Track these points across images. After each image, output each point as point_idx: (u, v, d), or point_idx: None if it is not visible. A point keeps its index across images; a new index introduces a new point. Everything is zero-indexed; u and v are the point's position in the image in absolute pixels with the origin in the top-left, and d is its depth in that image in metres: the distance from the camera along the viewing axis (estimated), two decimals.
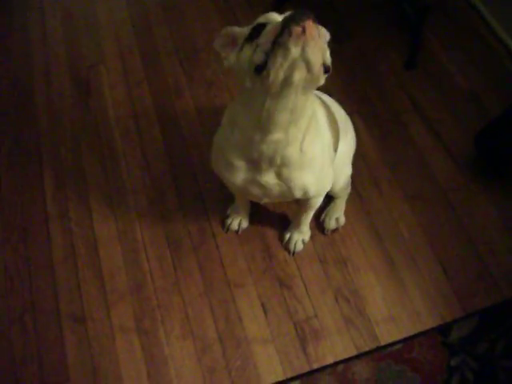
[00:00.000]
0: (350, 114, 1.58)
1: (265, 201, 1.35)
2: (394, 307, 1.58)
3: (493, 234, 1.70)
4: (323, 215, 1.72)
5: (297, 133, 1.06)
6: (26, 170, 1.87)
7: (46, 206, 1.78)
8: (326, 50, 0.89)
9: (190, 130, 1.95)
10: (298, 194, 1.25)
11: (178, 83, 2.09)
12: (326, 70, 0.91)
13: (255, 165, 1.16)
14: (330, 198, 1.68)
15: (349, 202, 1.73)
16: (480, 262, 1.65)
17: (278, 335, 1.54)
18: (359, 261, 1.66)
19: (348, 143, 1.52)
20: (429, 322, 1.56)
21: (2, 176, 1.86)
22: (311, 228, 1.69)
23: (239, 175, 1.21)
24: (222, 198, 1.75)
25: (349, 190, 1.69)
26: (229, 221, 1.71)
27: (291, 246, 1.66)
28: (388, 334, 1.54)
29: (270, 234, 1.72)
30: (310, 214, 1.55)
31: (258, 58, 0.90)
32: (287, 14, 0.88)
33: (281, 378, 1.48)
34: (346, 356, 1.51)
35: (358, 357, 1.51)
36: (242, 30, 1.01)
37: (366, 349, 1.52)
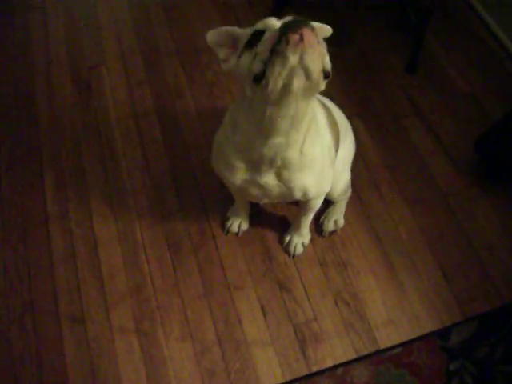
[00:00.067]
0: (350, 116, 1.58)
1: (264, 201, 1.35)
2: (393, 311, 1.58)
3: (493, 239, 1.70)
4: (322, 217, 1.72)
5: (297, 136, 1.07)
6: (26, 170, 1.87)
7: (46, 206, 1.78)
8: (325, 55, 0.88)
9: (191, 131, 1.95)
10: (298, 195, 1.25)
11: (179, 84, 2.09)
12: (326, 75, 0.91)
13: (255, 166, 1.16)
14: (329, 201, 1.68)
15: (349, 205, 1.73)
16: (480, 266, 1.65)
17: (278, 338, 1.54)
18: (359, 264, 1.66)
19: (347, 148, 1.52)
20: (428, 326, 1.56)
21: (2, 176, 1.85)
22: (311, 231, 1.69)
23: (239, 175, 1.21)
24: (222, 199, 1.75)
25: (349, 193, 1.69)
26: (229, 223, 1.71)
27: (291, 249, 1.66)
28: (387, 338, 1.54)
29: (270, 236, 1.72)
30: (310, 216, 1.55)
31: (257, 67, 0.89)
32: (285, 19, 0.88)
33: (280, 381, 1.48)
34: (345, 359, 1.51)
35: (357, 360, 1.50)
36: (244, 32, 1.00)
37: (366, 352, 1.52)
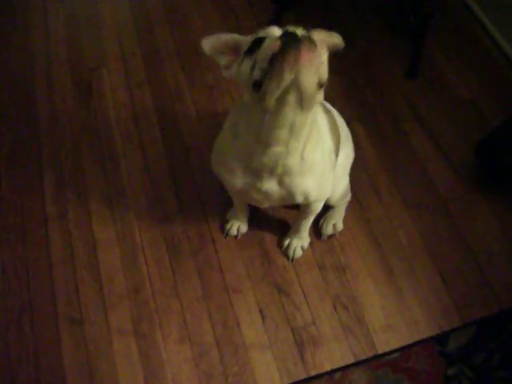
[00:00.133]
0: (350, 121, 1.58)
1: (265, 205, 1.35)
2: (391, 315, 1.58)
3: (492, 244, 1.71)
4: (321, 220, 1.72)
5: (297, 144, 1.07)
6: (25, 170, 1.86)
7: (46, 207, 1.78)
8: (322, 64, 0.89)
9: (191, 133, 1.95)
10: (300, 199, 1.25)
11: (179, 86, 2.09)
12: (321, 85, 0.91)
13: (256, 173, 1.17)
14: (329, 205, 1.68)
15: (348, 209, 1.73)
16: (479, 271, 1.66)
17: (276, 341, 1.54)
18: (358, 268, 1.66)
19: (346, 154, 1.52)
20: (426, 331, 1.56)
21: (1, 176, 1.85)
22: (310, 234, 1.69)
23: (240, 180, 1.22)
24: (222, 202, 1.75)
25: (349, 197, 1.68)
26: (228, 226, 1.70)
27: (290, 252, 1.66)
28: (386, 343, 1.54)
29: (269, 239, 1.72)
30: (310, 220, 1.55)
31: (256, 74, 0.90)
32: (287, 28, 0.89)
33: None
34: (343, 364, 1.51)
35: (355, 365, 1.50)
36: (245, 39, 1.00)
37: (364, 357, 1.52)
